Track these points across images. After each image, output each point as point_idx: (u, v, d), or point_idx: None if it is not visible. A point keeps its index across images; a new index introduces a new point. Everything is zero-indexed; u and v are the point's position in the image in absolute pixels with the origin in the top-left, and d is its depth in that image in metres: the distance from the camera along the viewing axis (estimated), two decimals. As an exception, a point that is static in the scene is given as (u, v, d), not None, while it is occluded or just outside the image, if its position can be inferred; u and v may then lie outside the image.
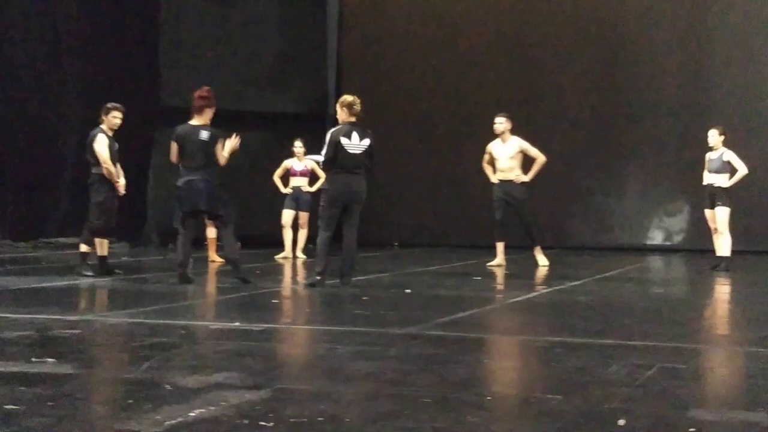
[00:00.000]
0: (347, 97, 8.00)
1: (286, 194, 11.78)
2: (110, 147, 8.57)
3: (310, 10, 15.39)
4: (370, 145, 7.81)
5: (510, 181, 10.21)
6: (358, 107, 7.88)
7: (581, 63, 14.32)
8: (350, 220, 7.82)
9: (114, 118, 8.64)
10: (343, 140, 7.69)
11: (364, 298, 7.20)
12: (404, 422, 3.25)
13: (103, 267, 8.61)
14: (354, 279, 7.98)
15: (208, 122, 7.94)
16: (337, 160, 7.68)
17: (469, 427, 3.21)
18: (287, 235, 11.69)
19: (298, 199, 11.69)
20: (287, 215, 11.73)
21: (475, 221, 14.01)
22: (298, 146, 11.73)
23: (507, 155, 10.24)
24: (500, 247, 10.38)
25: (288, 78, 14.88)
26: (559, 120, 14.29)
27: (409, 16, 15.41)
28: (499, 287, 8.62)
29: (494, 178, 10.34)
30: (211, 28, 14.52)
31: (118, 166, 8.71)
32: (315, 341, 5.04)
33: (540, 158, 10.20)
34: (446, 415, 3.35)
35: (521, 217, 10.21)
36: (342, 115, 7.85)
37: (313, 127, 13.35)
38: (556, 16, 14.56)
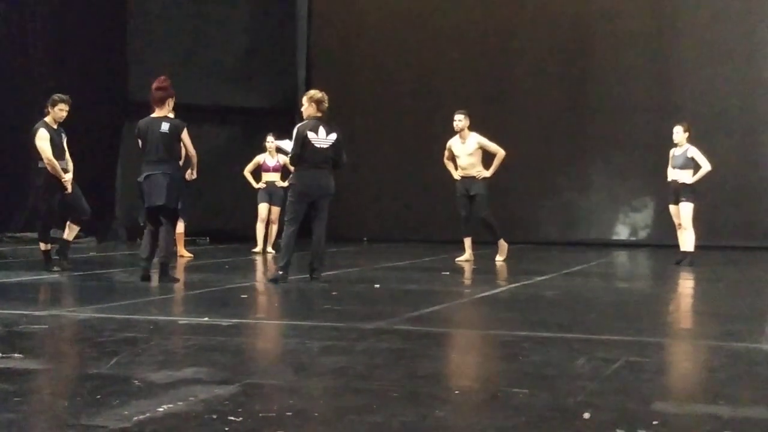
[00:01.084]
0: (316, 93, 7.99)
1: (258, 189, 11.75)
2: (54, 141, 8.38)
3: (279, 4, 15.35)
4: (337, 140, 7.83)
5: (471, 177, 10.28)
6: (326, 104, 7.90)
7: (550, 61, 14.41)
8: (318, 215, 7.83)
9: (60, 110, 8.48)
10: (310, 135, 7.70)
11: (334, 293, 7.22)
12: (372, 417, 3.28)
13: (63, 252, 8.51)
14: (323, 274, 7.99)
15: (169, 113, 7.70)
16: (303, 155, 7.69)
17: (437, 421, 3.24)
18: (261, 229, 11.67)
19: (271, 194, 11.69)
20: (264, 209, 11.70)
21: (444, 216, 14.08)
22: (270, 141, 11.71)
23: (467, 152, 10.33)
24: (468, 242, 10.46)
25: (257, 73, 14.84)
26: (527, 117, 14.39)
27: (379, 11, 15.42)
28: (467, 282, 8.67)
29: (456, 175, 10.41)
30: (179, 22, 14.43)
31: (68, 159, 8.53)
32: (284, 336, 5.05)
33: (500, 153, 10.29)
34: (414, 410, 3.38)
35: (479, 212, 10.27)
36: (309, 110, 7.83)
37: (282, 121, 13.33)
38: (526, 14, 14.64)
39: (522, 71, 14.56)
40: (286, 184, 11.41)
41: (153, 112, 7.71)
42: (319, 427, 3.17)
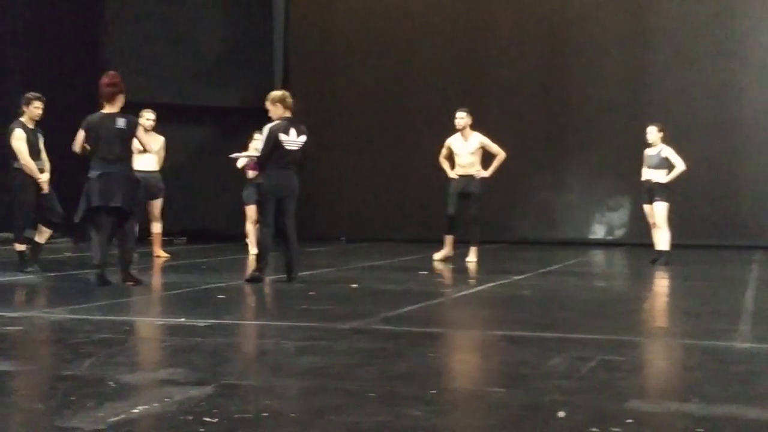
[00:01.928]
0: (276, 93, 7.96)
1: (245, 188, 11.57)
2: (30, 141, 8.29)
3: (256, 3, 15.30)
4: (306, 142, 7.84)
5: (470, 176, 10.28)
6: (290, 99, 7.87)
7: (526, 61, 14.46)
8: (288, 215, 7.83)
9: (36, 108, 8.40)
10: (282, 136, 7.69)
11: (311, 293, 7.22)
12: (348, 417, 3.28)
13: (35, 255, 8.45)
14: (300, 274, 7.99)
15: (119, 110, 7.41)
16: (274, 155, 7.67)
17: (413, 420, 3.25)
18: (252, 230, 11.41)
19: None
20: (253, 210, 11.48)
21: (422, 216, 14.10)
22: (257, 139, 11.59)
23: (468, 150, 10.31)
24: (449, 240, 10.44)
25: (234, 72, 14.79)
26: (503, 117, 14.42)
27: (356, 9, 15.41)
28: (445, 281, 8.70)
29: (453, 174, 10.39)
30: (155, 22, 14.36)
31: (44, 159, 8.43)
32: (261, 336, 5.04)
33: (501, 154, 10.31)
34: (390, 409, 3.39)
35: (472, 210, 10.27)
36: (276, 111, 7.78)
37: (259, 121, 13.23)
38: (503, 14, 14.68)
39: (498, 71, 14.60)
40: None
41: (101, 108, 7.42)
42: (295, 428, 3.17)
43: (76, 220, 7.43)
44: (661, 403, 3.60)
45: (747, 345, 4.84)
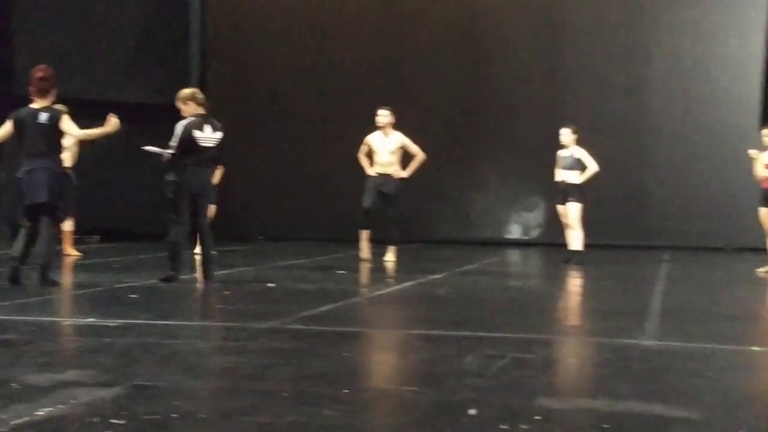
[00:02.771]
0: (185, 91, 7.85)
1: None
2: None
3: (172, -2, 15.06)
4: (222, 138, 7.75)
5: (388, 175, 10.28)
6: (200, 96, 7.78)
7: (443, 62, 14.59)
8: (200, 213, 7.73)
9: None
10: (197, 133, 7.57)
11: (226, 292, 7.15)
12: (260, 417, 3.26)
13: None
14: (216, 273, 7.89)
15: (51, 104, 7.25)
16: (188, 152, 7.56)
17: (325, 420, 3.24)
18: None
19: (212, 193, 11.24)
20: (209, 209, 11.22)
21: (340, 215, 14.09)
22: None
23: (388, 149, 10.32)
24: (365, 235, 10.41)
25: (149, 68, 14.52)
26: (421, 117, 14.49)
27: (276, 7, 15.32)
28: (362, 281, 8.71)
29: (371, 171, 10.39)
30: (66, 16, 13.99)
31: None
32: (173, 337, 4.96)
33: (420, 155, 10.34)
34: (303, 409, 3.38)
35: (391, 211, 10.29)
36: (189, 108, 7.67)
37: (175, 118, 13.07)
38: (419, 15, 14.78)
39: (416, 71, 14.69)
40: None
41: (32, 102, 7.24)
42: (205, 429, 3.13)
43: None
44: (569, 400, 3.68)
45: (652, 343, 4.97)
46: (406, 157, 10.47)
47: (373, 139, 10.38)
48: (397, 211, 10.32)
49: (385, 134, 10.32)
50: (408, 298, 7.17)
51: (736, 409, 3.50)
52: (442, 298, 7.09)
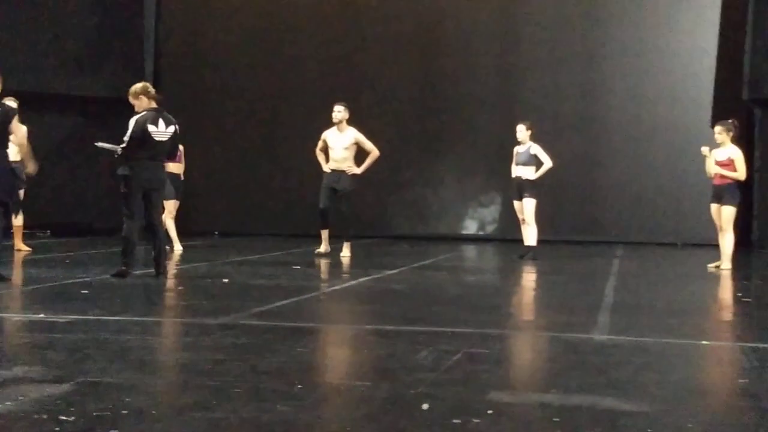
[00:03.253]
0: (137, 86, 7.79)
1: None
2: None
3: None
4: (175, 132, 7.70)
5: (341, 172, 10.27)
6: (152, 90, 7.74)
7: (400, 59, 14.60)
8: (153, 208, 7.66)
9: None
10: (151, 127, 7.52)
11: (180, 288, 7.08)
12: (212, 413, 3.23)
13: None
14: (170, 268, 7.82)
15: None
16: (141, 146, 7.49)
17: (278, 416, 3.23)
18: (172, 225, 11.04)
19: (178, 188, 11.17)
20: (171, 204, 11.12)
21: (296, 210, 14.05)
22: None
23: (342, 145, 10.30)
24: (325, 234, 10.44)
25: (102, 61, 14.33)
26: (377, 113, 14.52)
27: (231, 1, 15.21)
28: (318, 276, 8.68)
29: (326, 167, 10.36)
30: (19, 9, 13.75)
31: None
32: (125, 332, 4.90)
33: (374, 152, 10.33)
34: (255, 405, 3.35)
35: (345, 207, 10.28)
36: (142, 103, 7.62)
37: (127, 112, 12.92)
38: (376, 11, 14.77)
39: (372, 67, 14.69)
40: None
41: None
42: (155, 425, 3.10)
43: None
44: (521, 394, 3.70)
45: (604, 337, 5.03)
46: (362, 153, 10.45)
47: (328, 135, 10.36)
48: (350, 208, 10.30)
49: (340, 130, 10.30)
50: (363, 293, 7.17)
51: (685, 402, 3.55)
52: (398, 293, 7.10)
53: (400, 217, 14.66)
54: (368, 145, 10.36)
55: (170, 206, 10.83)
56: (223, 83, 14.98)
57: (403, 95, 14.60)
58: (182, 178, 11.09)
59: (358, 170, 10.36)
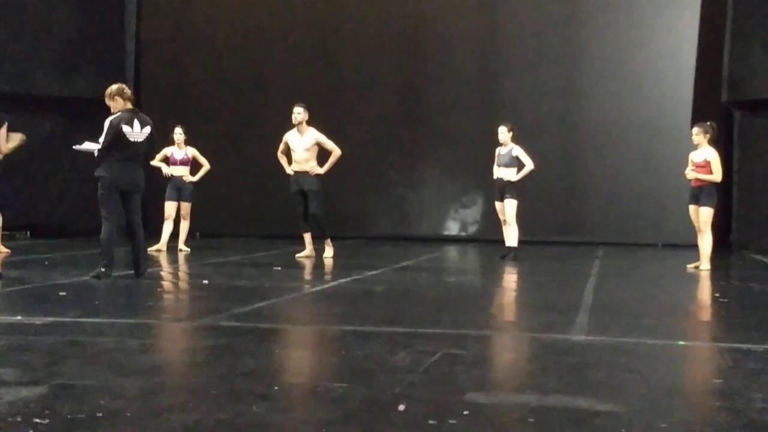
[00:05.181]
0: (113, 87, 7.78)
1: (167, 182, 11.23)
2: None
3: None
4: (151, 133, 7.69)
5: (305, 173, 10.27)
6: (128, 91, 7.74)
7: (381, 60, 14.61)
8: (132, 209, 7.64)
9: None
10: (125, 128, 7.52)
11: (159, 289, 7.05)
12: (188, 415, 3.23)
13: None
14: (150, 270, 7.79)
15: None
16: (116, 147, 7.47)
17: (253, 418, 3.22)
18: (167, 227, 11.10)
19: (180, 189, 11.22)
20: (170, 207, 11.16)
21: (277, 211, 14.03)
22: (179, 133, 11.26)
23: (303, 146, 10.30)
24: (308, 237, 10.46)
25: (83, 61, 14.27)
26: (359, 114, 14.55)
27: (211, 3, 15.17)
28: (299, 277, 8.67)
29: (289, 170, 10.38)
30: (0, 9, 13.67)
31: None
32: (102, 335, 4.88)
33: (336, 152, 10.32)
34: (231, 407, 3.35)
35: (313, 209, 10.28)
36: (117, 104, 7.63)
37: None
38: (357, 13, 14.77)
39: (354, 68, 14.70)
40: (195, 178, 11.14)
41: None
42: (131, 428, 3.09)
43: None
44: (497, 395, 3.71)
45: (582, 337, 5.05)
46: (325, 154, 10.40)
47: (289, 137, 10.37)
48: (319, 208, 10.28)
49: (300, 132, 10.30)
50: (343, 294, 7.16)
51: (660, 402, 3.57)
52: (377, 294, 7.11)
53: (382, 218, 14.67)
54: (329, 144, 10.33)
55: (185, 209, 11.02)
56: (204, 84, 14.94)
57: (384, 96, 14.61)
58: (186, 180, 11.19)
59: (321, 170, 10.34)
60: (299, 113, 10.23)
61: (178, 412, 3.27)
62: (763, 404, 3.51)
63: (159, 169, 11.16)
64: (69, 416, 3.17)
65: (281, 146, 10.43)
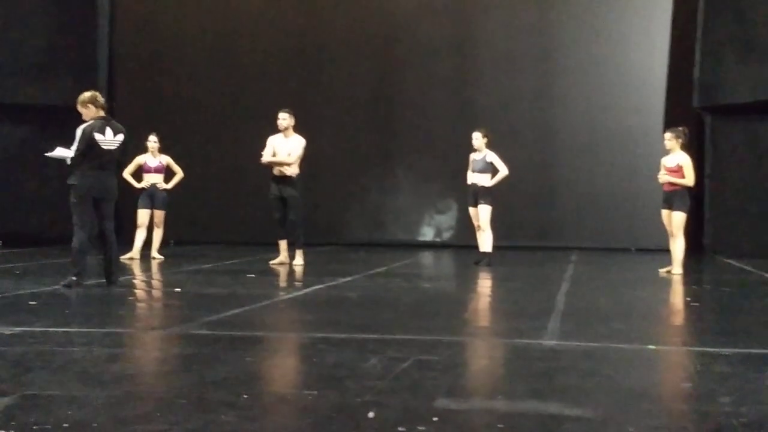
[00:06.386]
0: (85, 94, 7.74)
1: (140, 191, 11.17)
2: None
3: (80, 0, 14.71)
4: (123, 141, 7.64)
5: (286, 178, 10.25)
6: (101, 99, 7.70)
7: (358, 66, 14.64)
8: (105, 217, 7.59)
9: None
10: (98, 136, 7.48)
11: (131, 297, 7.00)
12: (156, 425, 3.20)
13: None
14: (122, 278, 7.74)
15: None
16: (89, 155, 7.43)
17: (222, 426, 3.20)
18: (140, 235, 11.04)
19: (153, 197, 11.15)
20: (143, 215, 11.11)
21: (251, 218, 13.99)
22: (153, 141, 11.20)
23: (287, 152, 10.28)
24: (283, 244, 10.44)
25: (56, 70, 14.16)
26: (333, 120, 14.55)
27: (184, 9, 15.12)
28: (272, 284, 8.64)
29: (277, 169, 10.34)
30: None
31: None
32: (71, 344, 4.84)
33: (290, 159, 10.24)
34: (200, 416, 3.33)
35: (291, 215, 10.26)
36: (90, 112, 7.60)
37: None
38: (333, 19, 14.79)
39: (329, 75, 14.70)
40: (168, 186, 11.09)
41: None
42: (97, 438, 3.06)
43: None
44: (467, 401, 3.71)
45: (553, 342, 5.06)
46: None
47: (274, 142, 10.34)
48: (297, 215, 10.25)
49: (286, 137, 10.29)
50: (316, 301, 7.14)
51: (630, 407, 3.59)
52: (350, 301, 7.09)
53: (356, 224, 14.67)
54: (298, 153, 10.26)
55: (158, 216, 10.96)
56: (178, 91, 14.88)
57: (359, 103, 14.62)
58: (160, 188, 11.13)
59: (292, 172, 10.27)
60: (284, 119, 10.22)
61: (145, 422, 3.24)
62: (732, 407, 3.54)
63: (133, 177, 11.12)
64: (35, 427, 3.13)
65: (267, 150, 10.31)
